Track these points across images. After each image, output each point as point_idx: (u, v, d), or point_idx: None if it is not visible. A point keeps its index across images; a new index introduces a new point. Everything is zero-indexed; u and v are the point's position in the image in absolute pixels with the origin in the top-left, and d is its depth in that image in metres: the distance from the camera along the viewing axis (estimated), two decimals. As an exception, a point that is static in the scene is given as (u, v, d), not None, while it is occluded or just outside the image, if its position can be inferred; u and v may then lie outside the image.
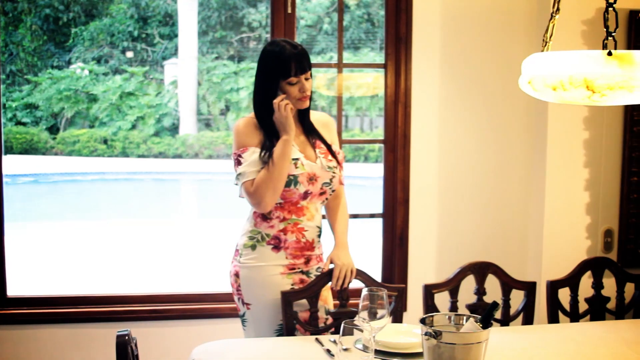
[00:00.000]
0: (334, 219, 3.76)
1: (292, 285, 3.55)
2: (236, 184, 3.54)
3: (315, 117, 3.72)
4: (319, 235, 3.65)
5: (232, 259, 3.65)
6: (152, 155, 19.21)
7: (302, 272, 3.60)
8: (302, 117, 3.66)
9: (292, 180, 3.48)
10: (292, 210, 3.55)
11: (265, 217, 3.55)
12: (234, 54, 20.98)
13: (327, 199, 3.65)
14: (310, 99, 3.59)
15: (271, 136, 3.49)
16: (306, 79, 3.52)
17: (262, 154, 3.47)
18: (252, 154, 3.48)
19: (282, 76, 3.48)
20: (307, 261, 3.63)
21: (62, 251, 11.27)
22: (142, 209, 15.27)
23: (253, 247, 3.56)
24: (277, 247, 3.54)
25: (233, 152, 3.55)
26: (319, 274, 3.63)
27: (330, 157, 3.63)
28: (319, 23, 20.44)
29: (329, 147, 3.67)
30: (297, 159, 3.50)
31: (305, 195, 3.54)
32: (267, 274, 3.54)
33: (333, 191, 3.65)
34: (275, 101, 3.47)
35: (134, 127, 19.62)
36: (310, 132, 3.67)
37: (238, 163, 3.50)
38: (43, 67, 20.53)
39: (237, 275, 3.58)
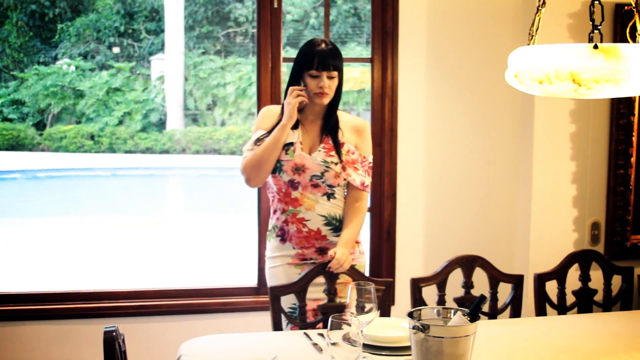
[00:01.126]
0: (346, 223, 3.75)
1: (299, 274, 3.61)
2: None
3: (349, 120, 3.80)
4: (329, 224, 3.69)
5: None
6: (139, 150, 19.15)
7: (314, 263, 3.66)
8: (328, 114, 3.75)
9: (277, 168, 3.63)
10: (288, 202, 3.66)
11: (275, 210, 3.74)
12: (220, 49, 20.94)
13: (329, 194, 3.69)
14: (337, 100, 3.72)
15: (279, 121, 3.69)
16: (329, 77, 3.63)
17: (264, 135, 3.66)
18: (257, 136, 3.68)
19: (306, 68, 3.64)
20: (322, 252, 3.70)
21: (49, 247, 11.24)
22: (129, 204, 15.23)
23: (269, 239, 3.79)
24: (283, 239, 3.71)
25: None
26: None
27: (332, 153, 3.67)
28: (306, 18, 20.41)
29: (338, 145, 3.70)
30: (291, 144, 3.62)
31: (293, 184, 3.63)
32: (275, 265, 3.73)
33: (331, 187, 3.68)
34: (292, 87, 3.65)
35: (120, 122, 19.55)
36: (329, 130, 3.72)
37: (247, 141, 3.73)
38: (29, 63, 20.45)
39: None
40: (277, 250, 3.72)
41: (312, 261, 3.68)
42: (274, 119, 3.69)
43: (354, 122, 3.79)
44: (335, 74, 3.64)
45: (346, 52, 19.47)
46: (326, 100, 3.66)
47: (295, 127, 3.66)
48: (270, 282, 3.70)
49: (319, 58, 3.60)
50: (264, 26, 4.56)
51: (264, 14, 4.56)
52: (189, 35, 20.56)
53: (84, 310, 4.57)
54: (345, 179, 3.69)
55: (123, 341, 2.83)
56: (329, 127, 3.72)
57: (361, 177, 3.73)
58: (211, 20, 20.87)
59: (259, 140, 3.65)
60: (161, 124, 19.98)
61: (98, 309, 4.58)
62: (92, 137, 19.18)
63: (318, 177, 3.63)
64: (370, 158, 3.80)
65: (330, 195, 3.68)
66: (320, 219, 3.67)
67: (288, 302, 3.58)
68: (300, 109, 3.71)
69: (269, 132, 3.65)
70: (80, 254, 10.82)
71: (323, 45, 3.64)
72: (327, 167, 3.64)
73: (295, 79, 3.68)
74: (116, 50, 20.92)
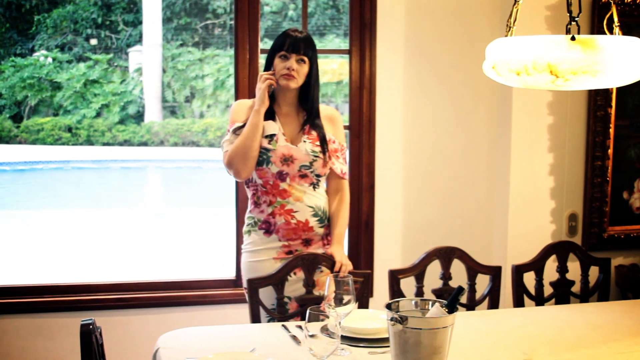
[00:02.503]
0: (335, 217, 3.80)
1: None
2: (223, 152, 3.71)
3: (322, 110, 3.81)
4: (316, 216, 3.69)
5: None
6: (117, 143, 19.08)
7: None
8: (305, 103, 3.77)
9: (264, 160, 3.60)
10: (276, 194, 3.64)
11: (257, 203, 3.70)
12: (198, 41, 20.88)
13: (315, 183, 3.71)
14: (313, 91, 3.74)
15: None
16: (298, 61, 3.66)
17: (240, 125, 3.65)
18: (236, 130, 3.66)
19: (277, 50, 3.68)
20: (307, 243, 3.69)
21: (26, 240, 11.18)
22: (108, 197, 15.18)
23: (249, 233, 3.73)
24: (268, 231, 3.66)
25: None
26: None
27: (317, 143, 3.70)
28: (284, 9, 20.38)
29: (322, 136, 3.73)
30: (273, 135, 3.62)
31: (281, 176, 3.63)
32: (258, 259, 3.67)
33: (318, 176, 3.71)
34: (261, 73, 3.69)
35: (98, 115, 19.47)
36: (310, 120, 3.75)
37: (224, 135, 3.71)
38: (6, 55, 20.33)
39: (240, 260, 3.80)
40: (260, 244, 3.68)
41: (297, 252, 3.67)
42: (248, 111, 3.68)
43: (327, 112, 3.82)
44: (305, 59, 3.66)
45: (324, 44, 19.46)
46: (293, 84, 3.66)
47: (272, 118, 3.66)
48: (251, 275, 3.62)
49: (291, 40, 3.65)
50: (242, 18, 4.55)
51: (241, 6, 4.54)
52: (167, 27, 20.50)
53: (62, 303, 4.55)
54: (330, 168, 3.73)
55: (100, 334, 2.82)
56: (312, 118, 3.74)
57: (341, 165, 3.80)
58: (189, 11, 20.81)
59: (238, 130, 3.65)
60: (139, 116, 19.91)
61: (75, 302, 4.56)
62: (69, 130, 19.09)
63: (307, 167, 3.65)
64: (346, 146, 3.87)
65: (315, 185, 3.70)
66: (308, 210, 3.66)
67: (270, 299, 3.56)
68: (272, 96, 3.72)
69: (245, 124, 3.65)
70: (58, 246, 10.77)
71: (297, 32, 3.69)
72: (316, 156, 3.66)
73: (268, 65, 3.72)
74: (93, 42, 20.83)
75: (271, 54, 3.70)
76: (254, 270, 3.65)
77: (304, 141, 3.68)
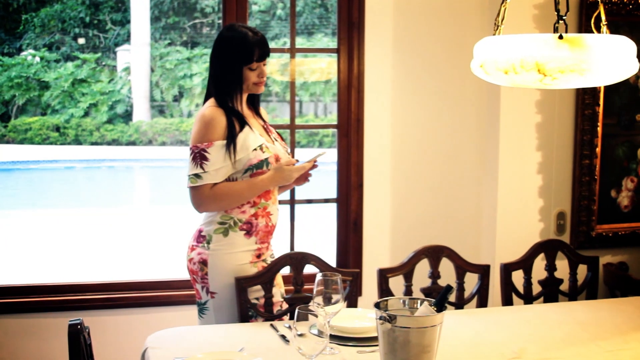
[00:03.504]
0: None
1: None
2: (194, 180, 3.45)
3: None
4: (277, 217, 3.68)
5: (193, 246, 3.59)
6: (105, 142, 19.05)
7: (264, 260, 3.61)
8: (254, 103, 3.70)
9: (263, 162, 3.48)
10: (261, 195, 3.55)
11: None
12: (187, 40, 20.87)
13: None
14: (265, 84, 3.64)
15: (232, 123, 3.47)
16: (264, 65, 3.57)
17: (228, 144, 3.44)
18: (218, 151, 3.44)
19: (245, 62, 3.50)
20: (267, 247, 3.66)
21: (14, 240, 11.15)
22: (96, 196, 15.15)
23: (225, 233, 3.51)
24: (248, 233, 3.53)
25: (194, 144, 3.46)
26: (272, 259, 3.65)
27: (281, 139, 3.72)
28: (273, 8, 20.38)
29: (276, 132, 3.77)
30: (262, 144, 3.51)
31: None
32: (237, 262, 3.52)
33: None
34: (304, 168, 3.59)
35: (86, 114, 19.43)
36: (262, 119, 3.73)
37: (202, 158, 3.43)
38: (-7, 54, 20.30)
39: (203, 263, 3.52)
40: (240, 246, 3.53)
41: (263, 259, 3.60)
42: (222, 122, 3.46)
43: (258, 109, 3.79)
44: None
45: (313, 42, 19.48)
46: (263, 88, 3.62)
47: (245, 123, 3.51)
48: (232, 279, 3.49)
49: (259, 49, 3.51)
50: (230, 17, 4.54)
51: (229, 5, 4.54)
52: (155, 26, 20.48)
53: (49, 303, 4.53)
54: None
55: (88, 334, 2.81)
56: (261, 116, 3.72)
57: None
58: (177, 11, 20.79)
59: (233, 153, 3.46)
60: (127, 116, 19.88)
61: (64, 302, 4.54)
62: (57, 129, 19.05)
63: None
64: None
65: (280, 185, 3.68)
66: (277, 213, 3.66)
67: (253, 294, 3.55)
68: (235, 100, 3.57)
69: (229, 138, 3.45)
70: (45, 246, 10.74)
71: (252, 33, 3.51)
72: (288, 153, 3.68)
73: (236, 74, 3.51)
74: (81, 41, 20.80)
75: (238, 65, 3.51)
76: (236, 273, 3.51)
77: (275, 140, 3.66)
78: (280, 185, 3.63)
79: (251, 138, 3.48)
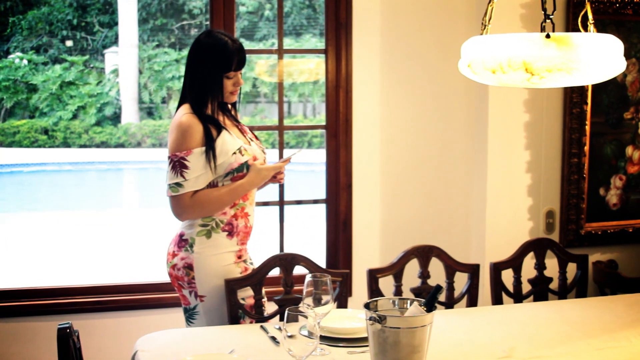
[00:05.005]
0: None
1: (240, 274, 3.54)
2: (175, 189, 3.45)
3: None
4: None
5: (174, 252, 3.56)
6: (94, 145, 18.99)
7: (244, 261, 3.60)
8: (227, 106, 3.66)
9: (244, 165, 3.45)
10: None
11: None
12: (175, 42, 20.84)
13: None
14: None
15: (209, 130, 3.44)
16: (240, 73, 3.57)
17: (207, 151, 3.41)
18: (197, 158, 3.42)
19: (224, 70, 3.48)
20: (246, 250, 3.65)
21: (2, 244, 11.11)
22: (85, 199, 15.11)
23: (208, 235, 3.49)
24: (230, 233, 3.52)
25: (173, 153, 3.44)
26: (251, 262, 3.66)
27: (257, 140, 3.71)
28: (260, 9, 20.37)
29: (252, 132, 3.77)
30: (240, 147, 3.48)
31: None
32: (223, 264, 3.50)
33: None
34: (279, 167, 3.61)
35: (75, 116, 19.38)
36: (237, 120, 3.70)
37: (182, 166, 3.41)
38: (-20, 58, 20.24)
39: (189, 267, 3.48)
40: (224, 247, 3.51)
41: (243, 259, 3.60)
42: (199, 128, 3.42)
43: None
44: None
45: (301, 43, 19.47)
46: (236, 97, 3.62)
47: (221, 127, 3.48)
48: (219, 281, 3.47)
49: (237, 58, 3.49)
50: (217, 18, 4.53)
51: (217, 6, 4.53)
52: (143, 28, 20.44)
53: (39, 307, 4.52)
54: None
55: (78, 338, 2.80)
56: (234, 117, 3.69)
57: None
58: (165, 12, 20.76)
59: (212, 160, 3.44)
60: (116, 118, 19.84)
61: (53, 305, 4.53)
62: (46, 132, 18.99)
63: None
64: None
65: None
66: (254, 214, 3.64)
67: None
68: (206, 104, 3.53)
69: (207, 144, 3.42)
70: (34, 250, 10.70)
71: (231, 41, 3.49)
72: (264, 154, 3.67)
73: (218, 82, 3.48)
74: (69, 43, 20.75)
75: (216, 72, 3.48)
76: (224, 275, 3.49)
77: (250, 140, 3.65)
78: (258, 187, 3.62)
79: (229, 142, 3.46)
